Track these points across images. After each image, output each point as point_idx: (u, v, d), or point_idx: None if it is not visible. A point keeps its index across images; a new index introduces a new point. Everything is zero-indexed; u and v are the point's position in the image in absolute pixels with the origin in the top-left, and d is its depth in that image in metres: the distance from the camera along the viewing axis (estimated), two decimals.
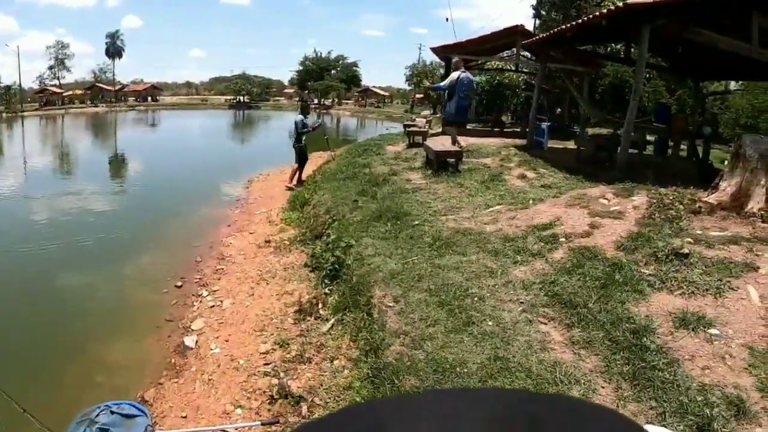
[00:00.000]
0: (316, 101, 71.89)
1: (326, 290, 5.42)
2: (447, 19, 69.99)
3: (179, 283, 6.71)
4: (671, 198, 5.40)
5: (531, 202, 6.63)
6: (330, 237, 6.46)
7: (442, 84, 10.43)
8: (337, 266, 5.58)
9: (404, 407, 0.35)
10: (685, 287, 3.87)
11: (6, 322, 5.97)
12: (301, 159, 12.30)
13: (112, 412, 3.48)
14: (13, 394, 3.88)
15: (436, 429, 0.32)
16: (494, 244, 5.29)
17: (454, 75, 9.79)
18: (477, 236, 5.56)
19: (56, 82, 79.59)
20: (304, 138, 12.09)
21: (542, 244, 5.07)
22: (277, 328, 4.96)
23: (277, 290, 5.93)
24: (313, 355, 4.23)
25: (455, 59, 11.08)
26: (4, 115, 66.92)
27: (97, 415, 3.42)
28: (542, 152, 10.09)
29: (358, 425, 0.33)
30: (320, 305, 5.10)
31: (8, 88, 73.80)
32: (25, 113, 66.08)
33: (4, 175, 18.89)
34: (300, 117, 12.11)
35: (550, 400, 0.37)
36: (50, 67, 79.80)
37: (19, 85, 74.24)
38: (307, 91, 49.78)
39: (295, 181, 12.23)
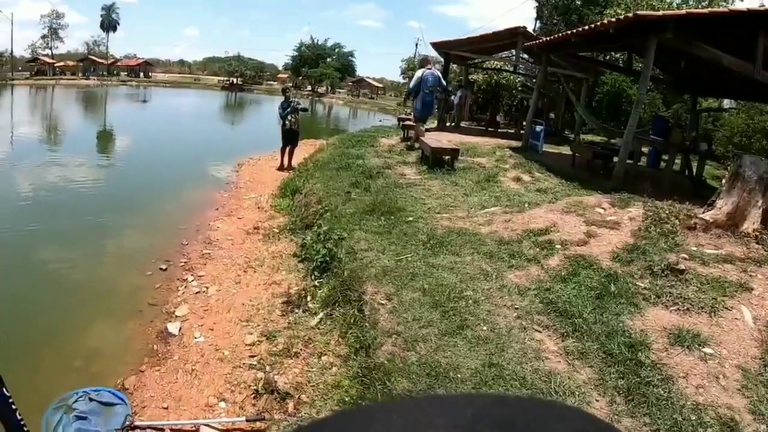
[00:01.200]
0: (309, 88, 71.58)
1: (316, 282, 5.32)
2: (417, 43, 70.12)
3: (164, 266, 6.52)
4: (667, 212, 5.39)
5: (527, 205, 6.59)
6: (321, 228, 6.34)
7: (410, 85, 10.93)
8: (327, 258, 5.48)
9: (373, 418, 0.34)
10: (680, 303, 3.86)
11: None
12: (284, 140, 12.44)
13: (91, 399, 3.42)
14: None
15: None
16: (489, 246, 5.23)
17: (419, 73, 10.28)
18: (472, 237, 5.50)
19: (48, 52, 78.31)
20: (287, 120, 12.25)
21: (538, 249, 5.03)
22: (264, 319, 4.85)
23: (265, 279, 5.83)
24: (301, 349, 4.14)
25: (423, 56, 11.26)
26: None
27: (75, 401, 3.37)
28: (537, 155, 10.06)
29: None
30: (309, 298, 5.01)
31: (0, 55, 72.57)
32: (15, 82, 65.04)
33: None
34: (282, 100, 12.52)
35: (520, 403, 0.36)
36: (43, 37, 78.66)
37: (11, 52, 73.10)
38: (291, 84, 49.24)
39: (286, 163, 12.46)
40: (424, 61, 10.59)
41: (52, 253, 7.17)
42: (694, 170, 9.33)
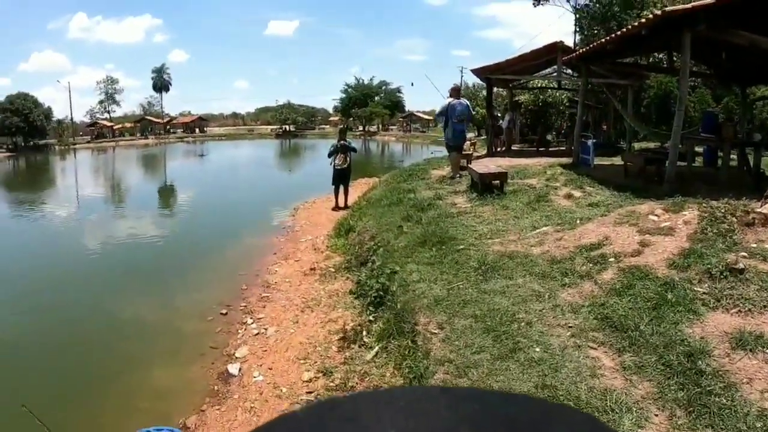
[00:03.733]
0: (360, 128, 73.10)
1: (371, 317, 5.45)
2: (412, 84, 71.05)
3: (224, 311, 6.85)
4: (723, 210, 5.20)
5: (578, 221, 6.50)
6: (375, 263, 6.52)
7: (437, 112, 11.16)
8: (381, 293, 5.61)
9: (381, 401, 0.35)
10: (741, 305, 3.72)
11: (50, 341, 6.32)
12: (334, 180, 12.71)
13: None
14: (55, 416, 4.10)
15: (413, 425, 0.33)
16: (541, 266, 5.21)
17: (446, 102, 10.42)
18: (523, 259, 5.49)
19: (107, 115, 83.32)
20: (335, 159, 12.57)
21: (590, 265, 4.97)
22: (321, 355, 5.02)
23: (322, 318, 6.02)
24: (357, 383, 4.26)
25: (452, 86, 11.34)
26: (56, 147, 71.19)
27: None
28: (589, 170, 9.90)
29: (334, 416, 0.34)
30: (365, 333, 5.14)
31: (60, 122, 78.51)
32: (77, 146, 69.70)
33: (57, 203, 20.19)
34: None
35: (526, 402, 0.37)
36: (100, 102, 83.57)
37: (71, 119, 78.63)
38: (343, 125, 50.40)
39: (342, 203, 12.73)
40: (453, 91, 10.75)
41: (119, 299, 7.70)
42: (752, 163, 8.90)
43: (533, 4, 24.99)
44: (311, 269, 8.02)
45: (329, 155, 12.74)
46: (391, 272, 5.86)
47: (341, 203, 12.73)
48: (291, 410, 0.35)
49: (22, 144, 67.63)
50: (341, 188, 12.79)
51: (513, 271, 5.23)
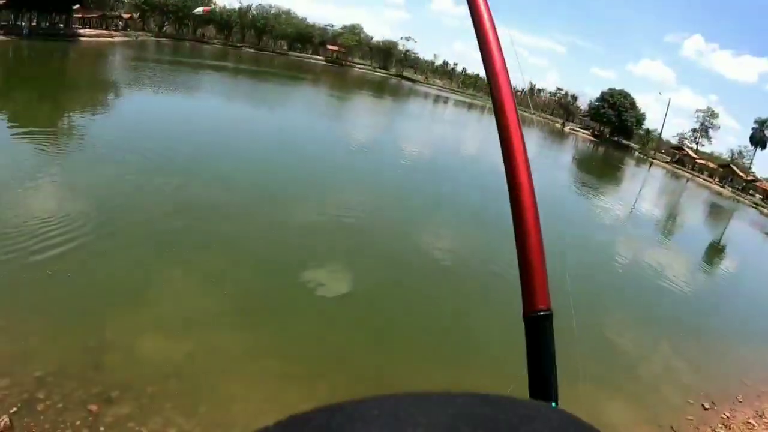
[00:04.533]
0: None
1: None
2: None
3: (707, 405, 6.40)
4: None
5: None
6: None
7: None
8: None
9: (354, 413, 0.34)
10: None
11: None
12: None
13: None
14: None
15: None
16: None
17: None
18: None
19: (693, 146, 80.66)
20: None
21: None
22: None
23: None
24: None
25: None
26: (636, 153, 73.91)
27: None
28: None
29: (306, 430, 0.33)
30: None
31: (648, 131, 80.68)
32: (655, 161, 71.18)
33: (613, 202, 21.77)
34: None
35: (502, 402, 0.36)
36: (693, 130, 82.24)
37: (660, 133, 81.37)
38: None
39: None
40: None
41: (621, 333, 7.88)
42: None
43: None
44: None
45: None
46: None
47: None
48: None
49: (606, 135, 73.48)
50: None
51: None
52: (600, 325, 7.74)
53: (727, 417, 6.08)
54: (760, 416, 6.37)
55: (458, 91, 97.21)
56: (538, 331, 0.67)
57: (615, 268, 12.01)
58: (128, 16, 69.16)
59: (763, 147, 74.40)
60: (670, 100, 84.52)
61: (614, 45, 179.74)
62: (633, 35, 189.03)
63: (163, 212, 9.68)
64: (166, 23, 77.80)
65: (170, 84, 29.56)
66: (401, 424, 0.32)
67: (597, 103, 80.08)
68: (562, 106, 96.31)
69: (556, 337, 0.66)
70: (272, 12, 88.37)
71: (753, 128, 74.85)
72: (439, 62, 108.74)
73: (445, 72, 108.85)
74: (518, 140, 0.78)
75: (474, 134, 43.17)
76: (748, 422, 6.09)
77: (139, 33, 67.05)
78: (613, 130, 77.24)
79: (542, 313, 0.67)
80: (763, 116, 74.87)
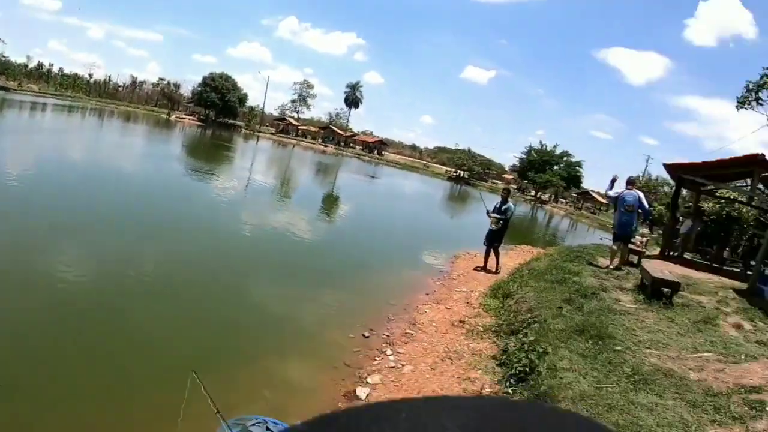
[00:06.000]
0: (532, 193, 71.77)
1: (510, 390, 5.31)
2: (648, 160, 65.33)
3: (367, 334, 7.01)
4: None
5: (743, 357, 5.89)
6: (527, 337, 6.32)
7: (611, 193, 11.10)
8: (527, 369, 5.44)
9: (381, 414, 0.35)
10: None
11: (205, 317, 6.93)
12: (486, 239, 12.06)
13: (268, 429, 3.56)
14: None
15: None
16: (695, 394, 4.74)
17: (619, 191, 10.56)
18: (678, 380, 5.04)
19: (295, 114, 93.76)
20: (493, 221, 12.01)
21: (746, 408, 4.38)
22: None
23: (460, 373, 5.92)
24: None
25: (628, 178, 11.06)
26: (243, 130, 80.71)
27: (253, 425, 3.56)
28: (764, 302, 9.53)
29: (333, 429, 0.35)
30: None
31: (252, 108, 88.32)
32: (261, 134, 78.55)
33: (229, 178, 23.00)
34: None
35: (531, 408, 0.37)
36: (292, 101, 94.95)
37: (262, 108, 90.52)
38: (515, 186, 48.70)
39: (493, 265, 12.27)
40: (629, 182, 10.89)
41: (268, 286, 8.32)
42: None
43: (736, 107, 23.46)
44: (460, 321, 7.95)
45: (488, 213, 12.04)
46: (543, 352, 5.67)
47: (492, 266, 12.14)
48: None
49: (213, 118, 79.48)
50: (492, 251, 12.14)
51: (665, 390, 4.84)
52: (245, 302, 7.79)
53: (388, 336, 7.07)
54: (414, 324, 7.67)
55: (55, 95, 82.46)
56: None
57: (243, 242, 11.70)
58: None
59: (356, 106, 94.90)
60: (269, 77, 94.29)
61: (213, 30, 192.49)
62: (230, 20, 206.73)
63: None
64: None
65: None
66: (427, 427, 0.34)
67: (200, 89, 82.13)
68: (166, 96, 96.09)
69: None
70: None
71: (345, 92, 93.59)
72: (33, 64, 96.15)
73: (41, 75, 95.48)
74: None
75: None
76: (406, 333, 7.25)
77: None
78: (219, 111, 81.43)
79: None
80: (352, 80, 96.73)
